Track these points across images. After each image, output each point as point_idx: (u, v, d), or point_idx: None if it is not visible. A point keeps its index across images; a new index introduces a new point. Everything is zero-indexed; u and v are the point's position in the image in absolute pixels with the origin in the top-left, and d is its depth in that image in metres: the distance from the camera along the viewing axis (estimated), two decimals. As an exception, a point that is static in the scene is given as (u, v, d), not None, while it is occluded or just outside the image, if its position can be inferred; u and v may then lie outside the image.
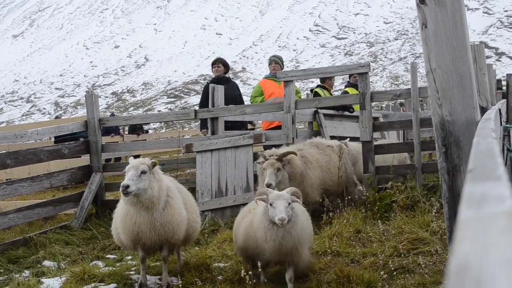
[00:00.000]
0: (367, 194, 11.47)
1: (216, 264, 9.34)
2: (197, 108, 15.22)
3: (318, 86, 17.54)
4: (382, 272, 7.10)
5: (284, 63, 16.67)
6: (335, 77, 18.07)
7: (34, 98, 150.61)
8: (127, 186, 7.76)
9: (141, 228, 8.23)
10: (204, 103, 15.16)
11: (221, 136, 13.30)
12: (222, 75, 16.28)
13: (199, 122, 17.00)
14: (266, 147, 14.25)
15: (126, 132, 32.49)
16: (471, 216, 1.30)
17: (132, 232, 8.30)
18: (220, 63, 16.45)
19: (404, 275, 7.68)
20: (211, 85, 14.34)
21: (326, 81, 17.18)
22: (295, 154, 10.99)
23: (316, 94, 16.73)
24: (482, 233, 1.16)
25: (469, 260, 1.05)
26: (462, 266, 1.04)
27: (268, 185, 9.83)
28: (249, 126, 17.85)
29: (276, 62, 16.25)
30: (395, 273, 7.75)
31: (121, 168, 17.02)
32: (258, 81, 17.03)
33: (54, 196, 16.18)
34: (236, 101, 15.72)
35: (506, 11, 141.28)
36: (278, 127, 14.62)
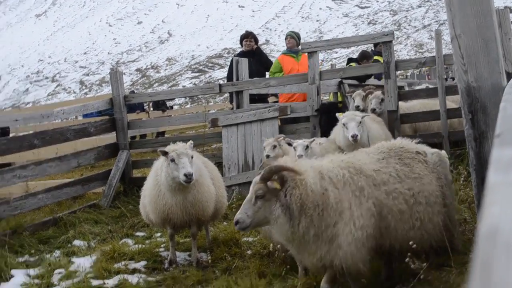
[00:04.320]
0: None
1: (245, 239, 9.36)
2: (222, 82, 15.18)
3: (356, 61, 17.50)
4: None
5: (300, 38, 16.54)
6: (372, 58, 17.94)
7: (59, 77, 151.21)
8: (191, 174, 7.91)
9: (172, 209, 8.29)
10: (230, 77, 15.14)
11: (246, 110, 13.27)
12: (252, 49, 16.27)
13: (228, 95, 17.02)
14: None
15: (151, 109, 32.53)
16: (500, 180, 1.29)
17: (162, 212, 8.37)
18: (252, 37, 16.42)
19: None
20: (235, 59, 14.30)
21: (363, 62, 17.10)
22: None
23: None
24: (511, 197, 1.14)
25: (499, 224, 1.04)
26: (492, 229, 1.03)
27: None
28: (274, 99, 17.80)
29: (291, 36, 16.18)
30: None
31: (147, 145, 17.07)
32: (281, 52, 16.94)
33: (82, 175, 16.26)
34: (260, 75, 15.66)
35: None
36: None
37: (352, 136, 10.13)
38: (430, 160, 6.99)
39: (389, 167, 6.64)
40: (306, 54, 13.67)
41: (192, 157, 8.09)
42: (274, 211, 6.04)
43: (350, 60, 18.50)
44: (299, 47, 15.51)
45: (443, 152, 7.98)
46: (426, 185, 6.64)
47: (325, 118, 12.76)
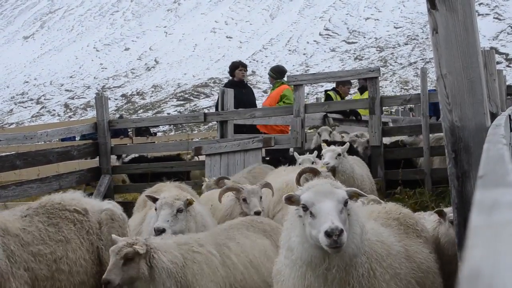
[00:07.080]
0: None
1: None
2: (207, 111, 15.23)
3: (332, 89, 17.53)
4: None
5: (281, 71, 16.60)
6: (351, 84, 17.96)
7: (44, 99, 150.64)
8: (160, 229, 6.57)
9: None
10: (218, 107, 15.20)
11: (230, 140, 13.28)
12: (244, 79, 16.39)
13: (216, 124, 17.10)
14: (272, 152, 14.30)
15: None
16: (482, 222, 1.29)
17: None
18: (245, 67, 16.44)
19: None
20: (221, 88, 14.38)
21: (339, 86, 17.11)
22: None
23: (328, 97, 16.73)
24: (494, 240, 1.15)
25: (481, 267, 1.04)
26: (474, 273, 1.04)
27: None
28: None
29: (269, 75, 16.53)
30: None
31: (130, 170, 17.06)
32: (267, 84, 17.17)
33: (63, 197, 16.16)
34: (251, 105, 15.70)
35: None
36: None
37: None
38: (92, 219, 6.18)
39: (32, 226, 5.96)
40: (280, 86, 13.89)
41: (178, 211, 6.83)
42: None
43: (327, 91, 18.50)
44: (285, 79, 15.65)
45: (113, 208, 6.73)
46: (70, 251, 5.98)
47: None
